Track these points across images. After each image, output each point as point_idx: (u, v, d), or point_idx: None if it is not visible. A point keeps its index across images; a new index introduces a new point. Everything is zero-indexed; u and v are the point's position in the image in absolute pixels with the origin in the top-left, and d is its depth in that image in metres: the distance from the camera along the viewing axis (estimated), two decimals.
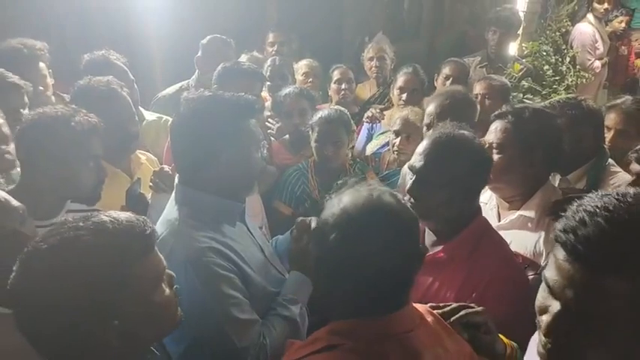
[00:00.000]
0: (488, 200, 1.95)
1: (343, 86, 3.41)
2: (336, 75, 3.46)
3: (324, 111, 2.50)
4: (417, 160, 1.54)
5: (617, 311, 0.81)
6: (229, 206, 1.53)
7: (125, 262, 0.99)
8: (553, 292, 0.87)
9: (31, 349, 0.99)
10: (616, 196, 0.85)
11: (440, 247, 1.53)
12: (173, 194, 1.54)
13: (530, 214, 1.78)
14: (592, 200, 0.86)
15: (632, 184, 1.84)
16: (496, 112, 1.89)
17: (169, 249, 1.33)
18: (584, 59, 4.12)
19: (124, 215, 1.04)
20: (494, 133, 1.84)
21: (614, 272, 0.80)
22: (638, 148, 1.87)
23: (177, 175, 1.56)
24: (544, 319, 0.89)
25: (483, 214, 1.66)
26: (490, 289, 1.42)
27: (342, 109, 2.61)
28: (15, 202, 1.34)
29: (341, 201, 1.09)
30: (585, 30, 4.26)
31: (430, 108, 2.30)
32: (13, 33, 3.00)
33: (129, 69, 2.62)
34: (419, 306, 1.19)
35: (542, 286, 0.91)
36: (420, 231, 1.41)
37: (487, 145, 1.83)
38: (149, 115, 2.78)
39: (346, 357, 1.03)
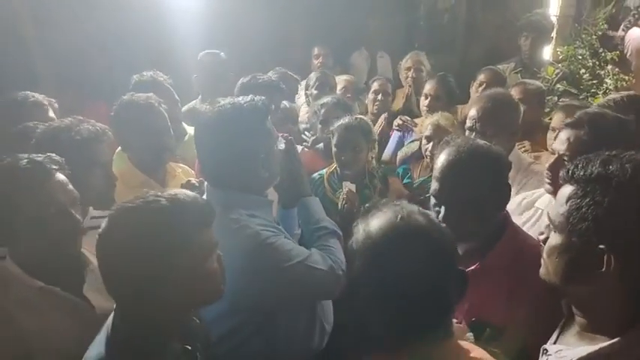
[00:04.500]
0: (545, 207, 1.85)
1: (379, 97, 3.46)
2: (374, 86, 3.53)
3: (344, 118, 2.50)
4: (435, 186, 1.51)
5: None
6: (255, 201, 1.63)
7: (191, 226, 1.17)
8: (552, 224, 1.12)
9: None
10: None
11: (475, 263, 1.47)
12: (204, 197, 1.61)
13: None
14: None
15: None
16: (570, 121, 1.73)
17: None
18: None
19: (192, 193, 1.24)
20: (566, 143, 1.69)
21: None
22: None
23: (206, 179, 1.69)
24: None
25: (540, 220, 1.61)
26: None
27: (365, 118, 2.62)
28: (71, 187, 1.50)
29: (366, 225, 1.03)
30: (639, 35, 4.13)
31: (472, 112, 2.22)
32: (60, 59, 3.23)
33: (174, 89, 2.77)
34: (464, 344, 1.09)
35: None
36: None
37: (556, 155, 1.73)
38: (192, 131, 2.84)
39: None
